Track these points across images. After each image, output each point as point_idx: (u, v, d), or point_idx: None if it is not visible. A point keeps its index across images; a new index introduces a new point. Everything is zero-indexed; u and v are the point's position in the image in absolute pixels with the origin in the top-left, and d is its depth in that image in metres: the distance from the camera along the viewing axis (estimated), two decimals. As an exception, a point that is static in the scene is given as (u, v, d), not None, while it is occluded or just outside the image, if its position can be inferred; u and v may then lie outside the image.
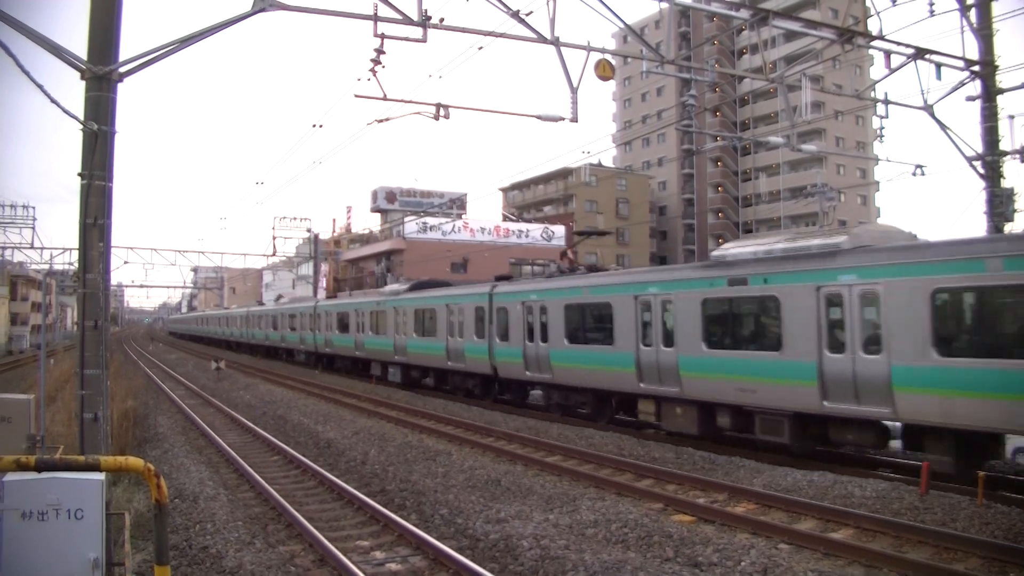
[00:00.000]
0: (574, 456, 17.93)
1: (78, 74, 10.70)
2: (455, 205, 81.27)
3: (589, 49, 17.45)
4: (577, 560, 10.23)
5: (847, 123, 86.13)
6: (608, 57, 17.87)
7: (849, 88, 22.37)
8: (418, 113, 19.43)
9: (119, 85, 11.00)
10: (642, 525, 11.85)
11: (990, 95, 20.74)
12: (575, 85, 17.38)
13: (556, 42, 16.62)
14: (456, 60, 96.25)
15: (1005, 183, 20.95)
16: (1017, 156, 20.86)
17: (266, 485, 15.07)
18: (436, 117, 18.95)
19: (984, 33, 20.67)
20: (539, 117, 19.60)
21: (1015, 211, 21.00)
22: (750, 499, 13.53)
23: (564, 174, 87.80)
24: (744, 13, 19.18)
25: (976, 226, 21.03)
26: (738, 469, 15.93)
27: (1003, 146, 20.90)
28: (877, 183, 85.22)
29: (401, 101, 19.27)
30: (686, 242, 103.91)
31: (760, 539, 11.33)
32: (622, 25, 18.15)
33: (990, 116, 20.80)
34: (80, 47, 10.92)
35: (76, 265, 11.50)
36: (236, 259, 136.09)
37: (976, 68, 20.61)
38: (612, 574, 9.72)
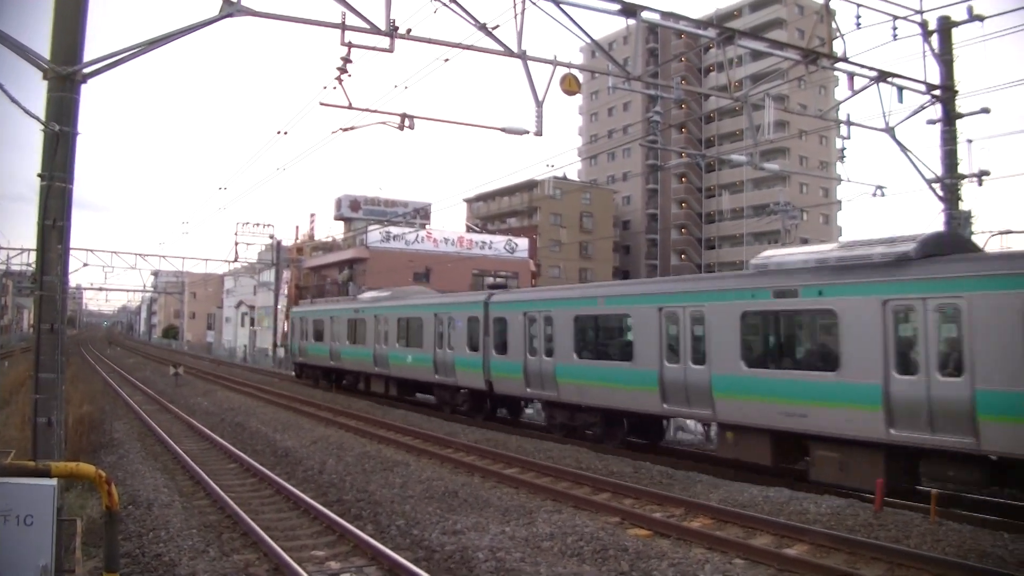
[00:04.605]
0: (532, 469, 17.93)
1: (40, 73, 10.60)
2: (419, 215, 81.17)
3: (555, 63, 17.50)
4: (532, 572, 10.26)
5: (811, 142, 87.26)
6: (574, 72, 17.95)
7: (813, 108, 22.73)
8: (383, 123, 19.45)
9: (83, 86, 10.91)
10: (598, 538, 11.88)
11: (950, 119, 21.04)
12: (540, 99, 17.40)
13: (523, 56, 16.64)
14: (422, 71, 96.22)
15: (963, 205, 21.27)
16: (975, 179, 21.20)
17: (222, 493, 14.95)
18: (401, 127, 18.98)
19: (945, 58, 20.99)
20: (504, 130, 19.72)
21: (972, 233, 21.32)
22: (707, 514, 13.60)
23: (529, 186, 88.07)
24: (711, 32, 19.38)
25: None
26: (695, 484, 16.01)
27: (961, 169, 21.21)
28: (839, 202, 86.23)
29: (366, 110, 19.30)
30: (649, 257, 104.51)
31: (715, 554, 11.39)
32: (589, 40, 18.24)
33: (949, 140, 21.09)
34: (43, 46, 10.82)
35: (34, 267, 11.38)
36: (197, 264, 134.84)
37: (937, 92, 20.92)
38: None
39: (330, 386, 40.33)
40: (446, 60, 19.12)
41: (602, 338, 22.09)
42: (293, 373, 48.74)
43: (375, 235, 69.48)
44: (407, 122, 18.98)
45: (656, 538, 12.33)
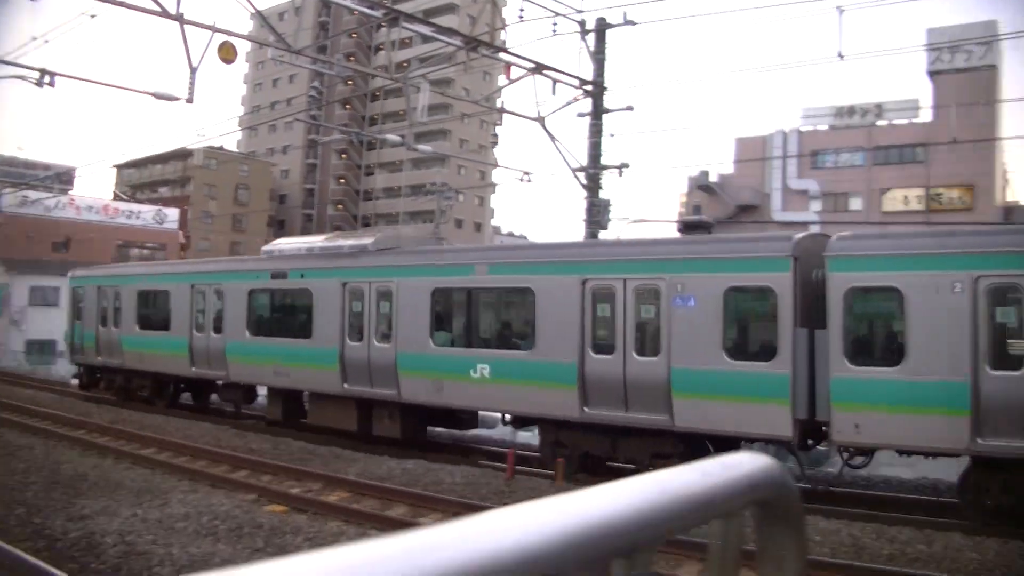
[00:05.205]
0: (169, 448, 17.46)
1: None
2: (60, 180, 75.56)
3: (214, 30, 16.93)
4: (164, 554, 10.03)
5: (473, 126, 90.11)
6: (232, 40, 17.47)
7: (477, 93, 23.54)
8: (20, 77, 18.05)
9: None
10: (233, 516, 11.83)
11: (598, 113, 22.56)
12: (195, 65, 16.81)
13: (180, 18, 15.96)
14: (67, 24, 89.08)
15: (603, 194, 22.95)
16: (616, 170, 22.91)
17: None
18: (39, 83, 17.67)
19: (598, 57, 22.46)
20: (154, 95, 18.89)
21: (609, 220, 23.12)
22: (344, 488, 13.93)
23: (183, 155, 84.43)
24: (378, 12, 19.53)
25: (578, 231, 22.92)
26: (336, 459, 16.33)
27: (605, 160, 22.84)
28: (494, 185, 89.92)
29: (-1, 62, 17.80)
30: (304, 232, 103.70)
31: (351, 526, 11.74)
32: (253, 11, 17.83)
33: (595, 132, 22.62)
34: None
35: None
36: None
37: (588, 87, 22.32)
38: (199, 567, 9.62)
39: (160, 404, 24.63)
40: (93, 16, 18.03)
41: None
42: (74, 381, 29.15)
43: (10, 199, 63.87)
44: (47, 78, 17.69)
45: (292, 513, 12.51)
